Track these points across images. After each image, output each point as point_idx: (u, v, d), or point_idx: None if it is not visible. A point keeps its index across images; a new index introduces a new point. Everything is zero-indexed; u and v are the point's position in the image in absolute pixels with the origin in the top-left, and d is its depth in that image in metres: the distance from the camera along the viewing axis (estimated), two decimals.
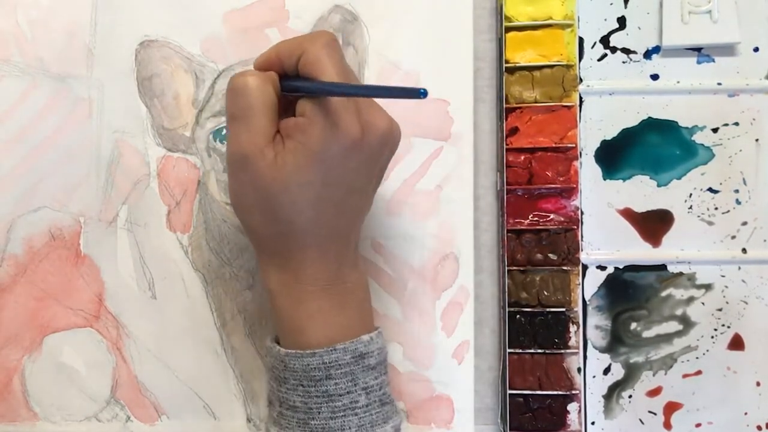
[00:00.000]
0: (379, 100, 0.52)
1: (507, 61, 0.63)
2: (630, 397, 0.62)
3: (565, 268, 0.62)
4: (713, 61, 0.63)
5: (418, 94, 0.46)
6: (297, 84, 0.51)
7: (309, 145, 0.50)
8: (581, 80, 0.64)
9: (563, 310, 0.62)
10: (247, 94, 0.51)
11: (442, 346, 0.62)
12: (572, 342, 0.62)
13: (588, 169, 0.64)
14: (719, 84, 0.63)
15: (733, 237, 0.63)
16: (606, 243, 0.63)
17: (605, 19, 0.64)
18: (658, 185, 0.63)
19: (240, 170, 0.52)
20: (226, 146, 0.53)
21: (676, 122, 0.63)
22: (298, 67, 0.51)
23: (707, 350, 0.62)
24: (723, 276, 0.63)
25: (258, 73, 0.52)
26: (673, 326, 0.62)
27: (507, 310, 0.62)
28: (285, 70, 0.52)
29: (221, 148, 0.62)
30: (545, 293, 0.62)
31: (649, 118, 0.63)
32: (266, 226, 0.53)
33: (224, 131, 0.62)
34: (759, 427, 0.62)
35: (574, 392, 0.61)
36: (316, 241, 0.53)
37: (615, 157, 0.64)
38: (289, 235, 0.52)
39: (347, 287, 0.54)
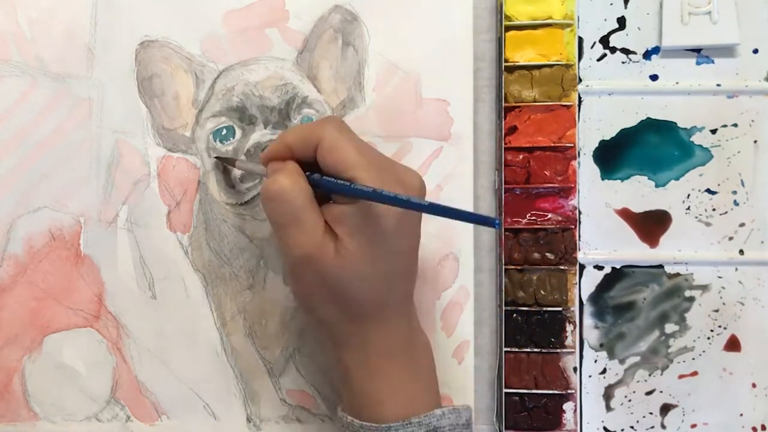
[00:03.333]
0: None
1: (506, 60, 0.63)
2: (626, 397, 0.63)
3: (562, 267, 0.62)
4: (712, 62, 0.63)
5: (491, 222, 0.46)
6: (336, 185, 0.51)
7: (364, 224, 0.50)
8: (580, 80, 0.63)
9: (560, 309, 0.62)
10: (288, 199, 0.50)
11: (442, 345, 0.62)
12: (569, 341, 0.62)
13: (586, 169, 0.64)
14: (718, 85, 0.63)
15: (731, 238, 0.63)
16: (603, 243, 0.63)
17: (605, 19, 0.64)
18: (656, 186, 0.63)
19: (305, 271, 0.51)
20: (283, 254, 0.52)
21: (675, 123, 0.63)
22: (318, 154, 0.51)
23: (703, 351, 0.63)
24: (720, 277, 0.63)
25: (286, 171, 0.51)
26: (670, 327, 0.63)
27: (504, 308, 0.62)
28: (298, 158, 0.52)
29: (221, 148, 0.62)
30: (542, 292, 0.62)
31: (648, 118, 0.63)
32: (341, 313, 0.53)
33: (224, 131, 0.62)
34: (754, 429, 0.62)
35: (570, 392, 0.62)
36: (389, 312, 0.53)
37: (613, 157, 0.63)
38: (365, 314, 0.53)
39: (418, 352, 0.55)
